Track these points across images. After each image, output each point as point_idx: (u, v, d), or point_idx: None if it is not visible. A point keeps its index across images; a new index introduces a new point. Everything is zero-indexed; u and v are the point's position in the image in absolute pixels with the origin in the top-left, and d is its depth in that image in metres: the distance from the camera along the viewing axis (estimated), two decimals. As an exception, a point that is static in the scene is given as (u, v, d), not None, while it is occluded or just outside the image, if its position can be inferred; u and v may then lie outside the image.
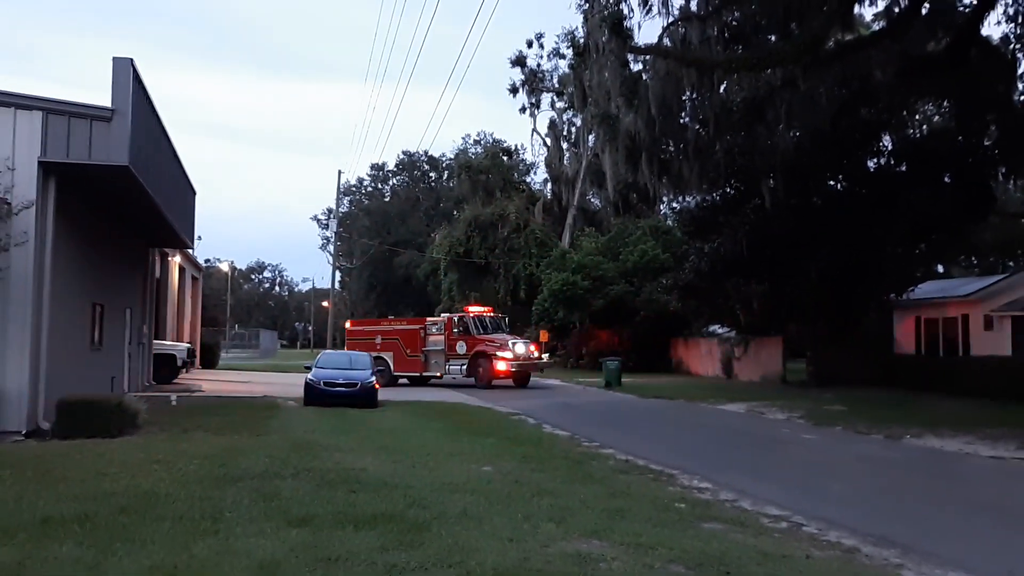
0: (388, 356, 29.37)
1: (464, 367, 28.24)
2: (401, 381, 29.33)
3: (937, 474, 11.49)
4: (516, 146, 64.96)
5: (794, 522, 7.91)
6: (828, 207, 26.78)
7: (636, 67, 23.95)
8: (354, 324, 33.14)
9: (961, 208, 24.28)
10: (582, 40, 28.01)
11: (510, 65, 53.06)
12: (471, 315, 29.94)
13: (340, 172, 52.38)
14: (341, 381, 19.43)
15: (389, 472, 9.77)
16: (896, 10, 21.42)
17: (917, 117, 30.44)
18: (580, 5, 23.97)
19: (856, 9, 22.10)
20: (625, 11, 22.04)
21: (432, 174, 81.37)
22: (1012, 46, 22.76)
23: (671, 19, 22.00)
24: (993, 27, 24.05)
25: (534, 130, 57.15)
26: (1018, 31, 22.57)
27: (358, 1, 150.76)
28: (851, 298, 27.03)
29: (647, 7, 21.92)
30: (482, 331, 28.94)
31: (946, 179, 25.29)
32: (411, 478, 9.39)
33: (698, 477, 10.32)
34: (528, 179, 61.76)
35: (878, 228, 24.98)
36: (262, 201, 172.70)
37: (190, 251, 32.70)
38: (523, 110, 54.51)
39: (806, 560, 6.44)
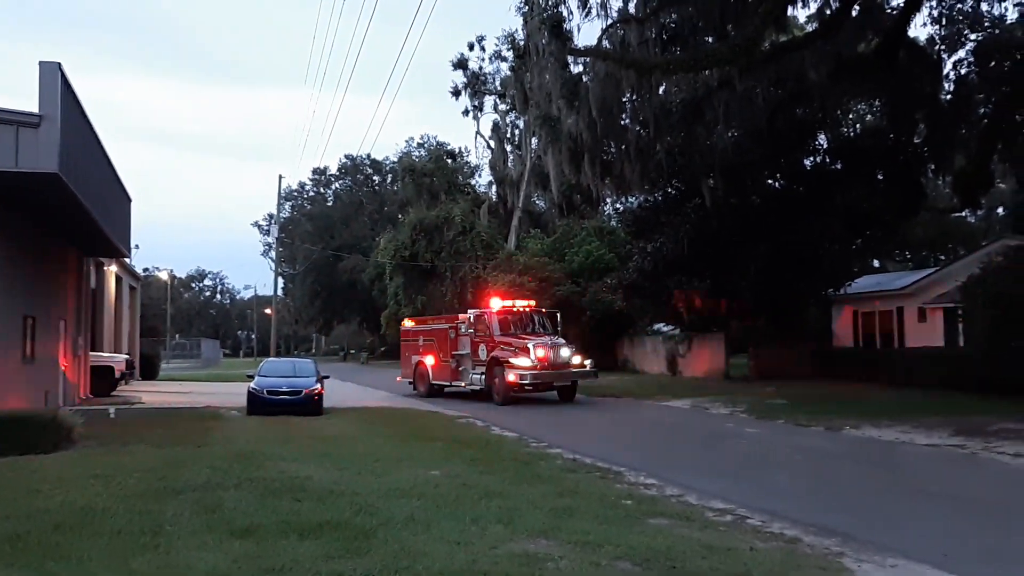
0: (428, 360, 25.85)
1: (482, 376, 23.01)
2: (449, 390, 24.98)
3: (875, 463, 11.80)
4: (460, 149, 64.96)
5: (738, 515, 8.04)
6: (767, 205, 27.32)
7: (576, 69, 24.17)
8: (411, 322, 29.08)
9: (894, 204, 25.01)
10: (522, 43, 28.12)
11: (452, 68, 53.01)
12: (491, 311, 23.74)
13: (281, 177, 52.01)
14: (285, 389, 19.13)
15: (334, 479, 9.65)
16: (828, 12, 21.95)
17: (851, 116, 31.32)
18: (520, 8, 24.11)
19: (790, 11, 22.65)
20: (564, 13, 22.23)
21: (375, 178, 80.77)
22: (937, 47, 23.56)
23: (610, 21, 22.26)
24: (920, 29, 25.16)
25: (478, 133, 57.16)
26: (943, 33, 23.39)
27: (297, 5, 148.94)
28: (790, 294, 27.62)
29: (586, 9, 22.13)
30: (508, 331, 23.00)
31: (879, 176, 26.02)
32: (357, 485, 9.29)
33: (644, 474, 10.42)
34: (473, 181, 61.75)
35: (815, 225, 25.57)
36: (202, 208, 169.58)
37: (127, 260, 31.86)
38: (466, 113, 54.49)
39: (750, 552, 6.55)
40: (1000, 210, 43.47)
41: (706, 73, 22.75)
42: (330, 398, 20.56)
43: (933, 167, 25.79)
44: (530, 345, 21.73)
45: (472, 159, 64.68)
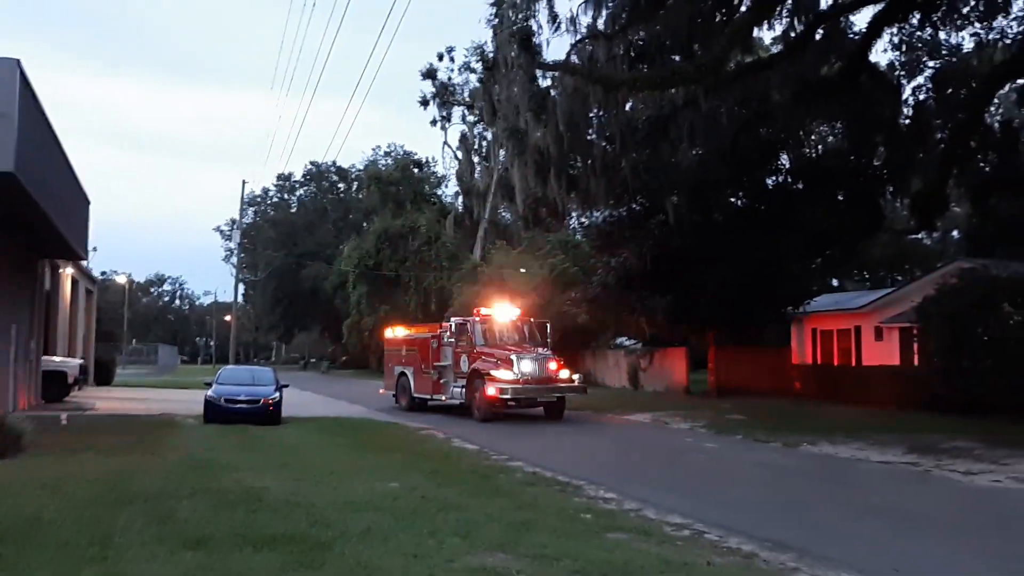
0: (410, 371, 24.03)
1: (463, 390, 21.28)
2: (432, 404, 23.09)
3: (831, 479, 11.95)
4: (427, 158, 64.87)
5: (696, 529, 8.08)
6: (729, 223, 27.64)
7: (545, 83, 24.27)
8: (395, 330, 26.84)
9: (854, 225, 25.44)
10: (492, 55, 28.19)
11: (421, 78, 52.95)
12: (474, 319, 22.25)
13: (244, 182, 51.69)
14: (243, 398, 18.86)
15: (291, 490, 9.51)
16: (792, 34, 22.35)
17: (813, 137, 31.82)
18: (490, 20, 24.18)
19: (756, 32, 23.00)
20: (534, 27, 22.35)
21: (341, 185, 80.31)
22: (897, 73, 24.15)
23: (578, 37, 22.41)
24: (881, 54, 25.76)
25: (445, 143, 57.09)
26: (903, 59, 23.97)
27: (265, 9, 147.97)
28: (751, 310, 27.93)
29: (555, 24, 22.28)
30: (492, 341, 21.57)
31: (840, 197, 26.48)
32: (314, 496, 9.17)
33: (604, 487, 10.43)
34: (439, 192, 61.69)
35: (776, 243, 25.91)
36: (163, 212, 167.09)
37: (84, 263, 31.23)
38: (434, 123, 54.38)
39: (707, 567, 6.58)
40: (955, 233, 44.44)
41: (672, 91, 23.04)
42: (290, 408, 20.30)
43: (892, 189, 26.35)
44: (514, 357, 20.11)
45: (439, 169, 64.81)
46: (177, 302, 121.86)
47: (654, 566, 6.49)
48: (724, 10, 21.44)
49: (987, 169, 24.84)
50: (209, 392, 19.23)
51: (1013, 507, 9.97)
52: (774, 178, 28.84)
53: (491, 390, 19.66)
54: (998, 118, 27.07)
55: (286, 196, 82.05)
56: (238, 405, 18.66)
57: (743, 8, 20.80)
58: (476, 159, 54.69)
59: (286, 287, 72.26)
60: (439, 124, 54.45)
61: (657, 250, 27.16)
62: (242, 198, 52.94)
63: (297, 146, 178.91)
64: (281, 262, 68.78)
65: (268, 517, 7.92)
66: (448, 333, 22.06)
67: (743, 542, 7.54)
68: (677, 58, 22.83)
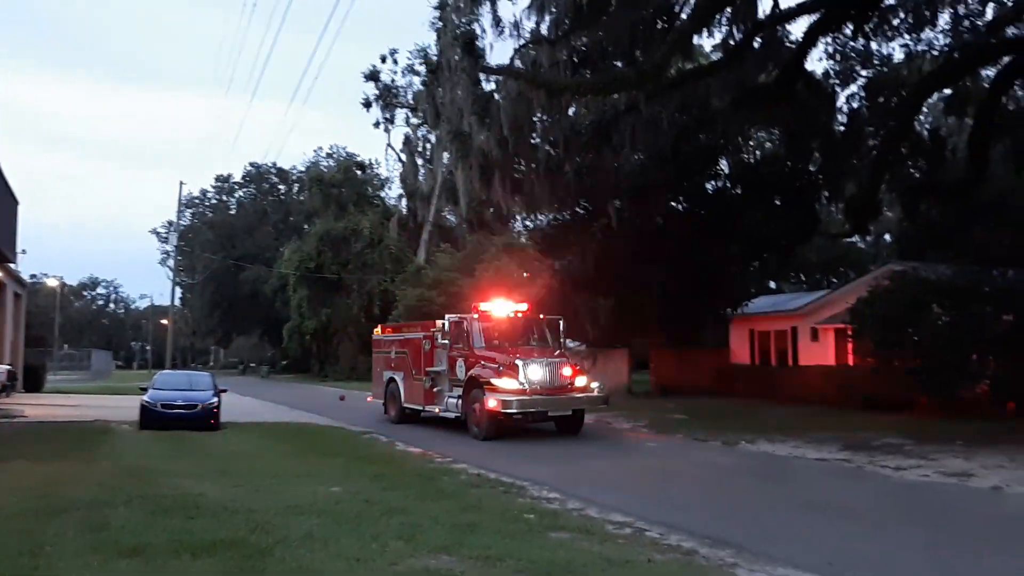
0: (399, 377, 20.83)
1: (459, 401, 17.79)
2: (425, 416, 19.92)
3: (769, 477, 12.21)
4: (370, 160, 64.40)
5: (637, 528, 8.19)
6: (670, 227, 28.04)
7: (489, 87, 24.31)
8: (383, 329, 23.80)
9: (790, 229, 26.06)
10: (435, 58, 28.15)
11: (364, 79, 52.57)
12: (472, 316, 18.68)
13: (182, 183, 50.05)
14: (180, 403, 18.46)
15: (230, 496, 9.35)
16: (731, 42, 22.78)
17: (751, 143, 32.52)
18: (433, 23, 24.18)
19: (696, 40, 23.38)
20: (478, 31, 22.37)
21: (281, 187, 79.14)
22: (832, 81, 24.81)
23: (522, 42, 22.48)
24: (817, 63, 26.80)
25: (389, 145, 56.92)
26: (837, 68, 24.66)
27: (205, 9, 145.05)
28: (691, 312, 28.40)
29: (499, 28, 22.32)
30: (494, 342, 18.13)
31: (776, 202, 27.09)
32: (254, 502, 9.03)
33: (547, 488, 10.49)
34: (383, 194, 61.29)
35: (716, 247, 26.40)
36: (96, 214, 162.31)
37: (11, 265, 30.18)
38: (377, 125, 54.08)
39: (648, 564, 6.69)
40: (887, 237, 45.85)
41: (615, 97, 23.30)
42: (229, 413, 19.94)
43: (827, 194, 27.04)
44: (519, 362, 16.49)
45: (382, 171, 64.32)
46: (112, 306, 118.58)
47: (596, 564, 6.57)
48: (665, 18, 21.76)
49: (917, 175, 25.72)
50: (145, 397, 18.79)
51: (940, 500, 10.33)
52: (714, 183, 29.37)
53: (491, 402, 16.13)
54: (927, 126, 28.04)
55: (225, 198, 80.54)
56: (175, 411, 18.27)
57: (683, 16, 21.13)
58: (420, 161, 54.50)
59: (225, 290, 70.93)
60: (382, 126, 54.20)
61: (600, 253, 27.43)
62: (179, 200, 51.72)
63: (237, 148, 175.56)
64: (220, 265, 67.41)
65: (206, 523, 7.78)
66: (442, 333, 18.45)
67: (683, 539, 7.67)
68: (619, 64, 23.10)
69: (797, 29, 23.36)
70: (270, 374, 63.93)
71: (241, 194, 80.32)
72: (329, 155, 67.88)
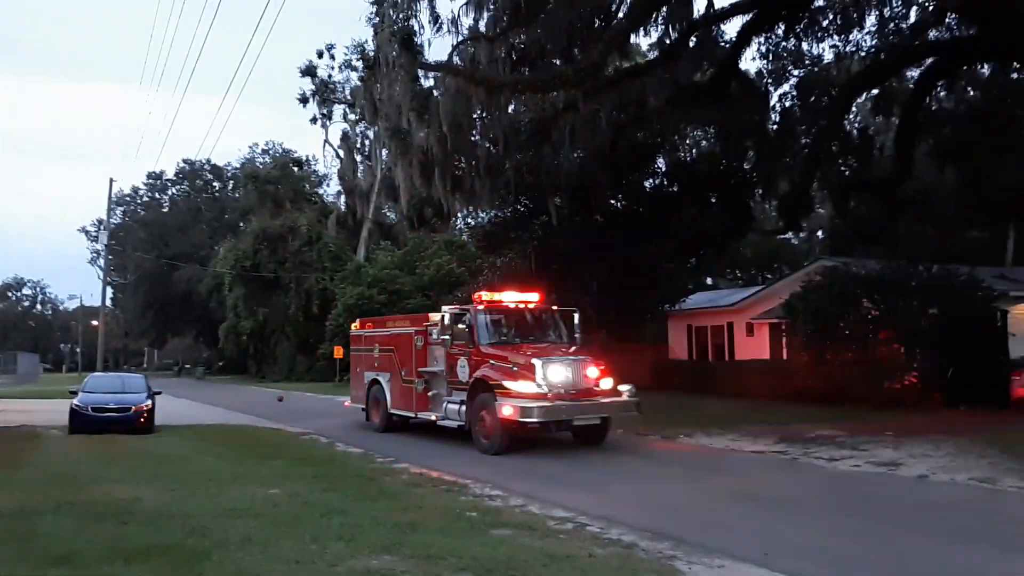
0: (385, 379, 17.97)
1: (463, 407, 14.93)
2: (416, 422, 17.28)
3: (706, 469, 12.42)
4: (308, 157, 63.51)
5: (579, 523, 8.26)
6: (609, 224, 28.34)
7: (427, 83, 24.19)
8: (362, 326, 20.30)
9: (725, 226, 26.59)
10: (373, 54, 27.87)
11: (300, 75, 51.75)
12: (476, 307, 15.75)
13: (112, 180, 48.82)
14: (112, 406, 17.93)
15: (165, 501, 9.14)
16: (667, 41, 23.09)
17: (688, 141, 33.06)
18: (371, 19, 23.88)
19: (633, 39, 23.65)
20: (416, 27, 22.21)
21: (216, 184, 77.43)
22: (765, 80, 25.39)
23: (461, 38, 22.43)
24: (751, 62, 27.42)
25: (326, 141, 56.06)
26: (770, 67, 25.25)
27: (134, 1, 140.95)
28: (630, 308, 28.75)
29: (437, 25, 22.22)
30: (502, 338, 15.33)
31: (712, 199, 27.61)
32: (190, 505, 8.84)
33: (490, 485, 10.50)
34: (320, 191, 60.50)
35: (654, 244, 26.77)
36: (22, 212, 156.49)
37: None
38: (314, 120, 53.29)
39: (589, 559, 6.75)
40: (820, 233, 47.15)
41: (554, 94, 23.42)
42: (163, 416, 19.44)
43: (761, 192, 27.68)
44: (537, 361, 13.89)
45: (320, 168, 63.52)
46: (39, 307, 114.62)
47: (537, 559, 6.61)
48: (602, 16, 21.94)
49: (847, 173, 26.50)
50: (75, 401, 18.22)
51: (870, 488, 10.66)
52: (651, 180, 29.78)
53: (506, 410, 13.48)
54: (856, 125, 28.90)
55: (157, 195, 78.44)
56: (107, 414, 17.75)
57: (620, 15, 21.34)
58: (359, 158, 53.95)
59: (158, 290, 69.14)
60: (320, 122, 53.43)
61: (541, 250, 27.59)
62: (109, 197, 50.11)
63: (170, 144, 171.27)
64: (152, 264, 65.66)
65: (140, 529, 7.60)
66: (439, 328, 15.80)
67: (624, 533, 7.76)
68: (558, 62, 23.22)
69: (731, 29, 23.76)
70: (206, 375, 62.59)
71: (174, 191, 78.34)
72: (265, 151, 66.68)
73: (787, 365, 24.15)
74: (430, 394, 16.34)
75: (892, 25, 23.21)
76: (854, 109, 28.90)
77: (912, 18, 22.80)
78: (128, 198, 76.40)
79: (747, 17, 22.06)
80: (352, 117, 52.92)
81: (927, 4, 21.78)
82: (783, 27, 23.40)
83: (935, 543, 7.71)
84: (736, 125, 24.21)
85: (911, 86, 23.99)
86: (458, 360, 15.30)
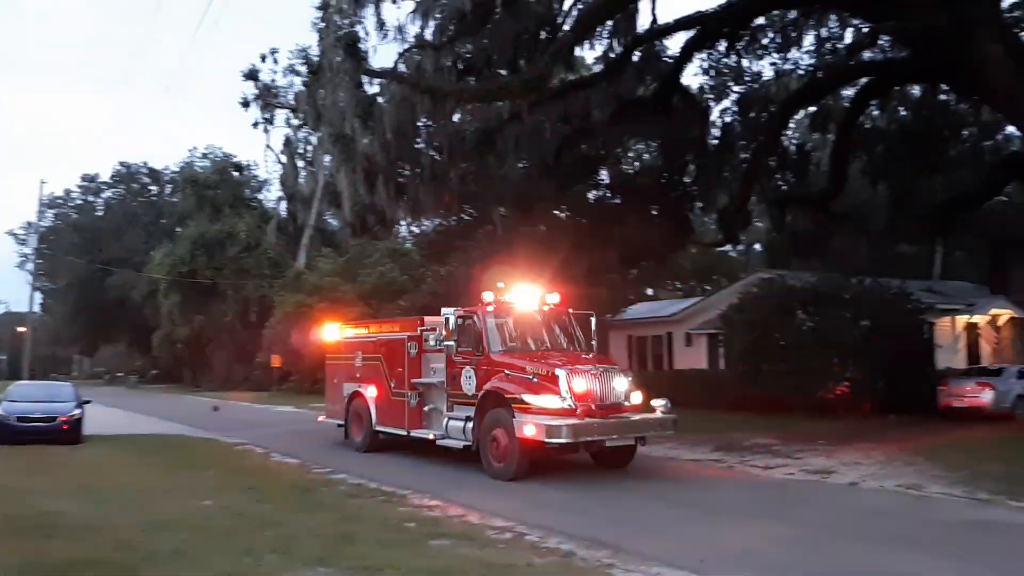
0: (369, 392, 15.89)
1: (469, 424, 12.99)
2: (405, 439, 15.00)
3: (644, 478, 12.52)
4: (248, 162, 62.43)
5: (518, 532, 8.25)
6: (553, 234, 28.50)
7: (372, 90, 24.02)
8: (345, 328, 18.28)
9: (666, 238, 26.97)
10: (317, 59, 27.60)
11: (243, 78, 50.88)
12: (485, 309, 13.66)
13: (43, 183, 47.27)
14: (38, 415, 17.26)
15: (92, 514, 8.84)
16: (611, 55, 23.38)
17: (631, 154, 33.50)
18: (315, 24, 23.65)
19: (578, 52, 23.87)
20: (361, 33, 22.04)
21: (153, 188, 75.57)
22: (706, 95, 25.89)
23: (406, 46, 22.35)
24: (693, 78, 28.14)
25: (268, 146, 55.33)
26: (712, 83, 25.76)
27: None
28: (572, 319, 28.89)
29: (383, 32, 22.09)
30: (515, 344, 13.47)
31: (654, 211, 27.98)
32: (119, 518, 8.58)
33: (429, 495, 10.42)
34: (261, 196, 59.47)
35: (596, 254, 26.99)
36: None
37: None
38: (256, 125, 52.41)
39: (527, 568, 6.74)
40: (758, 246, 48.17)
41: (499, 104, 23.50)
42: (93, 426, 18.80)
43: (701, 205, 28.17)
44: (561, 372, 12.02)
45: (261, 173, 62.47)
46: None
47: (476, 570, 6.58)
48: (548, 28, 22.10)
49: (784, 187, 27.15)
50: (-2, 411, 17.51)
51: (804, 496, 10.89)
52: (595, 192, 30.06)
53: (528, 429, 11.53)
54: (794, 141, 29.66)
55: (91, 198, 76.17)
56: (33, 423, 17.08)
57: (566, 28, 21.53)
58: (301, 163, 53.21)
59: (90, 296, 66.99)
60: (261, 127, 52.54)
61: (485, 260, 27.61)
62: (40, 199, 48.77)
63: (105, 146, 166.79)
64: (84, 269, 63.65)
65: (65, 543, 7.35)
66: (439, 333, 13.96)
67: (562, 542, 7.78)
68: (503, 72, 23.31)
69: (674, 45, 24.29)
70: (139, 384, 60.87)
71: (109, 195, 76.19)
72: (204, 155, 65.35)
73: (724, 375, 24.56)
74: (426, 409, 14.53)
75: (829, 45, 23.94)
76: (792, 125, 29.70)
77: (848, 39, 23.54)
78: (60, 201, 74.02)
79: (690, 33, 22.46)
80: (295, 122, 52.21)
81: (862, 27, 22.47)
82: (725, 44, 23.90)
83: (865, 548, 7.91)
84: (678, 139, 24.60)
85: (846, 104, 24.70)
86: (462, 370, 13.36)
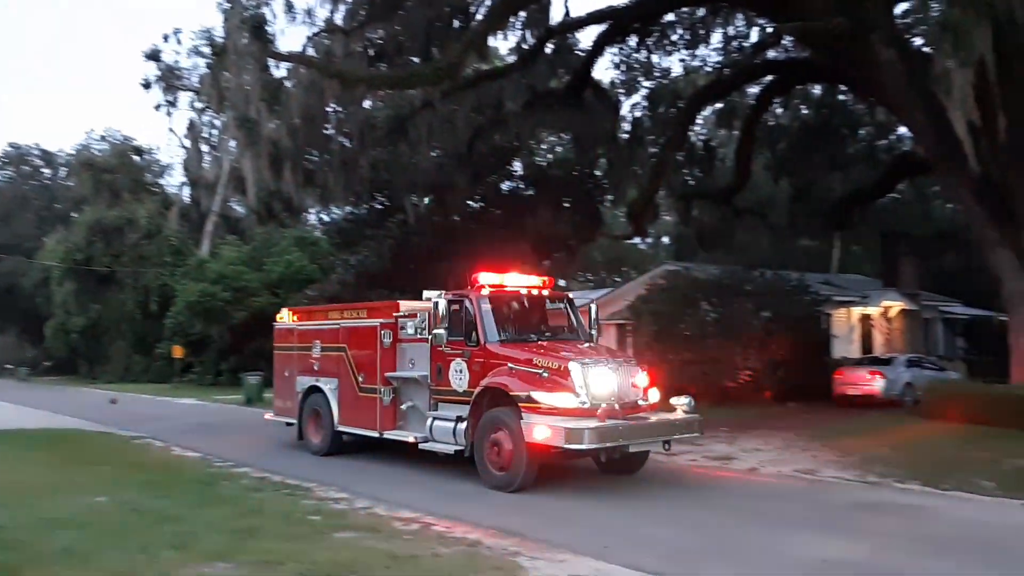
0: (330, 386, 13.92)
1: (461, 425, 11.19)
2: (372, 440, 13.29)
3: (551, 467, 12.60)
4: (150, 146, 60.10)
5: (425, 523, 8.21)
6: (466, 224, 28.47)
7: (280, 73, 23.41)
8: (296, 315, 15.87)
9: (578, 230, 27.29)
10: (222, 40, 26.75)
11: (144, 59, 48.84)
12: (479, 292, 11.92)
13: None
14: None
15: (-28, 513, 8.35)
16: (524, 46, 23.43)
17: (544, 146, 33.74)
18: (220, 4, 22.91)
19: (492, 42, 23.83)
20: (268, 15, 21.48)
21: (46, 171, 71.91)
22: (617, 90, 26.27)
23: (316, 30, 21.88)
24: (605, 72, 28.54)
25: (171, 129, 53.39)
26: (623, 77, 26.15)
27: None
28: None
29: (291, 14, 21.63)
30: (512, 333, 11.71)
31: (566, 203, 28.27)
32: (2, 518, 8.11)
33: (335, 488, 10.24)
34: (162, 181, 57.38)
35: (509, 245, 27.09)
36: None
37: None
38: (159, 108, 50.59)
39: (433, 558, 6.71)
40: (666, 239, 49.32)
41: (412, 92, 23.27)
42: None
43: (612, 198, 28.60)
44: (575, 365, 10.44)
45: (164, 158, 60.26)
46: None
47: (381, 561, 6.51)
48: (462, 16, 21.99)
49: (691, 182, 27.84)
50: None
51: (706, 481, 11.24)
52: (508, 183, 30.15)
53: (541, 432, 9.90)
54: (701, 137, 30.41)
55: (-22, 180, 71.99)
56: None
57: (479, 16, 21.45)
58: (205, 148, 51.55)
59: (-24, 284, 63.42)
60: (164, 109, 50.80)
61: (397, 249, 27.34)
62: (-81, 180, 45.69)
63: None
64: (-31, 255, 60.14)
65: (-62, 546, 6.89)
66: (419, 320, 12.48)
67: (469, 531, 7.78)
68: (416, 60, 23.08)
69: (587, 38, 24.55)
70: (30, 376, 57.94)
71: (-1, 177, 72.11)
72: (103, 138, 62.53)
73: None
74: (403, 407, 12.71)
75: (735, 43, 24.63)
76: (700, 122, 30.44)
77: (754, 38, 24.26)
78: (-56, 183, 69.70)
79: (602, 27, 22.71)
80: (199, 105, 50.53)
81: (767, 26, 23.19)
82: (636, 39, 24.27)
83: (762, 530, 8.23)
84: (589, 132, 24.88)
85: (751, 102, 25.46)
86: (451, 363, 11.60)
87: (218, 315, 36.45)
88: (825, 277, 29.39)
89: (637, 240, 43.90)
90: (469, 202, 30.26)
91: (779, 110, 27.71)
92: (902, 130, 26.49)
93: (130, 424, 19.88)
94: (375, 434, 12.83)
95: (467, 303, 11.65)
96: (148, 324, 43.42)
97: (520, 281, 12.84)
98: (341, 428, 13.59)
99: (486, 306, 11.63)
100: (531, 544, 7.29)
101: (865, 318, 28.31)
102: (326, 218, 37.70)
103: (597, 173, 27.73)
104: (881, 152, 27.78)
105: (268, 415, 16.27)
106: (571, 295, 13.59)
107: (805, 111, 27.85)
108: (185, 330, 37.79)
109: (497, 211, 29.02)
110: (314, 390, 14.24)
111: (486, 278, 12.27)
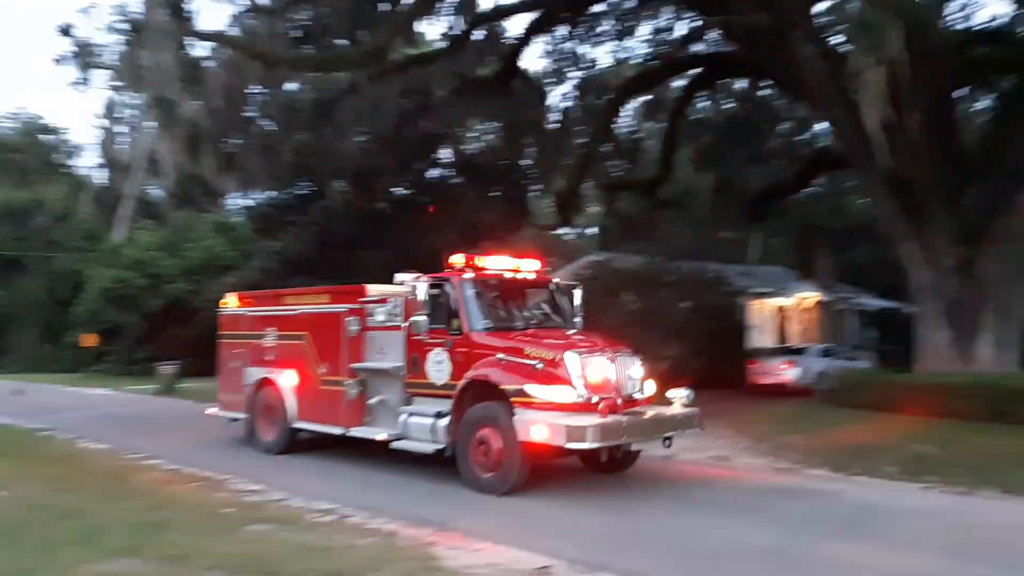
0: (283, 378, 12.74)
1: (441, 422, 10.13)
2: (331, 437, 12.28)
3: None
4: (62, 127, 57.60)
5: (342, 514, 8.11)
6: (393, 211, 28.17)
7: (200, 53, 22.66)
8: (243, 300, 14.78)
9: (505, 219, 27.29)
10: (139, 16, 25.77)
11: (58, 33, 46.71)
12: (462, 275, 11.12)
13: None
14: None
15: None
16: (453, 32, 23.22)
17: (472, 134, 33.60)
18: (138, -22, 22.00)
19: (420, 27, 23.55)
20: (188, -8, 20.73)
21: (-52, 149, 68.30)
22: (546, 80, 26.30)
23: (239, 9, 21.24)
24: (535, 60, 28.73)
25: (86, 109, 51.20)
26: (552, 67, 26.18)
27: None
28: (412, 297, 28.81)
29: (213, -9, 20.94)
30: (499, 321, 10.78)
31: (494, 192, 28.25)
32: None
33: (249, 479, 10.01)
34: (75, 163, 55.07)
35: (436, 232, 26.94)
36: None
37: None
38: (73, 85, 48.41)
39: (348, 550, 6.61)
40: (593, 229, 49.74)
41: (338, 75, 22.83)
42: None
43: (539, 187, 28.68)
44: (571, 355, 9.62)
45: (77, 138, 57.83)
46: None
47: (295, 554, 6.39)
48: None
49: (617, 173, 28.11)
50: None
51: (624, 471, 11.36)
52: (436, 170, 29.95)
53: (538, 430, 9.05)
54: (627, 128, 30.69)
55: None
56: None
57: (407, 0, 21.15)
58: (122, 128, 49.73)
59: None
60: (79, 88, 48.63)
61: (322, 235, 26.89)
62: None
63: None
64: None
65: None
66: (391, 305, 11.58)
67: (386, 522, 7.72)
68: (343, 42, 22.65)
69: (516, 27, 24.52)
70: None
71: None
72: (13, 115, 59.64)
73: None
74: (371, 401, 11.49)
75: (663, 36, 24.88)
76: (626, 113, 30.73)
77: (681, 31, 24.55)
78: None
79: (532, 16, 22.66)
80: (116, 84, 48.60)
81: (693, 20, 23.50)
82: (567, 29, 24.31)
83: (677, 514, 8.43)
84: (517, 121, 24.88)
85: (677, 95, 25.82)
86: (429, 353, 10.62)
87: (133, 302, 35.24)
88: (744, 268, 30.07)
89: (564, 230, 44.21)
90: (396, 188, 29.96)
91: (704, 103, 28.18)
92: (821, 125, 27.24)
93: (36, 416, 19.02)
94: (339, 431, 11.68)
95: (448, 287, 10.79)
96: (58, 311, 41.72)
97: (508, 264, 11.88)
98: (299, 424, 12.45)
99: (470, 291, 10.71)
100: (448, 533, 7.27)
101: (781, 309, 29.09)
102: (247, 203, 36.78)
103: (526, 162, 27.76)
104: (800, 147, 28.51)
105: (210, 410, 14.82)
106: (556, 280, 12.71)
107: (728, 105, 28.38)
108: (97, 318, 36.39)
109: (424, 198, 28.81)
110: (266, 383, 12.98)
111: (470, 260, 11.45)
